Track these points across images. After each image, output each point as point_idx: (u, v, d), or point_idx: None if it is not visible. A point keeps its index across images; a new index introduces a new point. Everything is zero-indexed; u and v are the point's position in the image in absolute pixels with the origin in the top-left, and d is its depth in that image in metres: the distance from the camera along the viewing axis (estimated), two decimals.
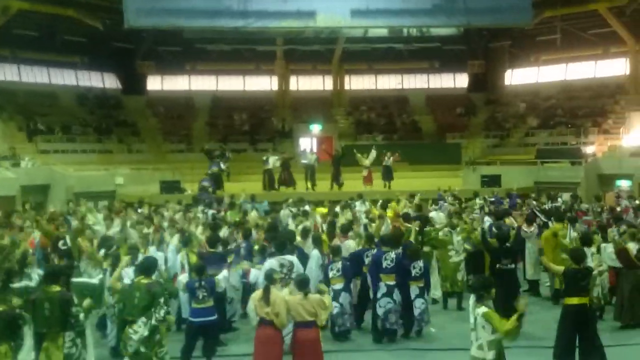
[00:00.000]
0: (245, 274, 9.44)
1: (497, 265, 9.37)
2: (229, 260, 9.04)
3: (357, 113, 34.51)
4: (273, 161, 21.19)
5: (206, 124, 33.09)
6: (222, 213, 14.54)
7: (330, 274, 8.88)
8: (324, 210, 14.02)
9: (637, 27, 29.28)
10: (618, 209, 14.49)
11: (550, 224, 11.74)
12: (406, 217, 12.29)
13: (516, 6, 26.44)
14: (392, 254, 8.94)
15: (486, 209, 14.15)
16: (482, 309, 5.86)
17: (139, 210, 14.80)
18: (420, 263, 9.15)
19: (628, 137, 25.62)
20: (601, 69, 31.99)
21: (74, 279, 7.45)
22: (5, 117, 26.46)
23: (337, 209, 14.13)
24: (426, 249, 10.98)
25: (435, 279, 10.78)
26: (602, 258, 9.84)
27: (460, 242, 10.92)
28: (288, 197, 16.75)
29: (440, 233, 11.11)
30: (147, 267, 7.12)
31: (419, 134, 32.66)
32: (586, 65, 32.51)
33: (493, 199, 16.67)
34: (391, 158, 21.56)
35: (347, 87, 36.09)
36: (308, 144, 30.69)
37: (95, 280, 7.52)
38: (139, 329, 6.60)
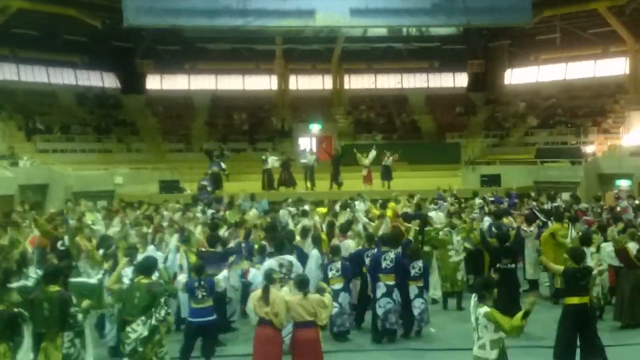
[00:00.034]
0: (244, 274, 9.43)
1: (498, 265, 9.35)
2: (230, 259, 9.02)
3: (357, 112, 34.49)
4: (272, 161, 21.16)
5: (205, 123, 33.06)
6: (222, 213, 14.52)
7: (330, 274, 8.87)
8: (323, 210, 14.00)
9: (636, 26, 29.28)
10: (618, 209, 14.48)
11: (549, 223, 11.72)
12: (406, 217, 12.28)
13: (516, 5, 26.44)
14: (392, 254, 8.92)
15: (486, 209, 14.11)
16: (484, 309, 5.87)
17: (138, 213, 14.76)
18: (420, 263, 9.14)
19: (628, 137, 25.60)
20: (601, 68, 31.98)
21: (73, 279, 7.43)
22: (4, 117, 26.41)
23: (337, 207, 14.16)
24: (426, 248, 10.97)
25: (435, 279, 10.77)
26: (601, 257, 9.83)
27: (460, 242, 10.91)
28: (287, 196, 16.74)
29: (441, 233, 11.09)
30: (147, 267, 7.11)
31: (418, 134, 32.65)
32: (586, 65, 32.50)
33: (492, 199, 16.65)
34: (390, 158, 21.53)
35: (346, 86, 36.07)
36: (307, 143, 30.69)
37: (94, 280, 7.49)
38: (138, 328, 6.59)
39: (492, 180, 22.04)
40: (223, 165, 21.14)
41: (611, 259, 9.84)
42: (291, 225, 12.08)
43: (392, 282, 8.83)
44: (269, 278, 7.02)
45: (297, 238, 10.24)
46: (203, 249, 9.60)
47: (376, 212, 13.27)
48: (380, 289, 8.81)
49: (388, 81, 36.61)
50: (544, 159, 24.74)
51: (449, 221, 11.49)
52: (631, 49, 29.74)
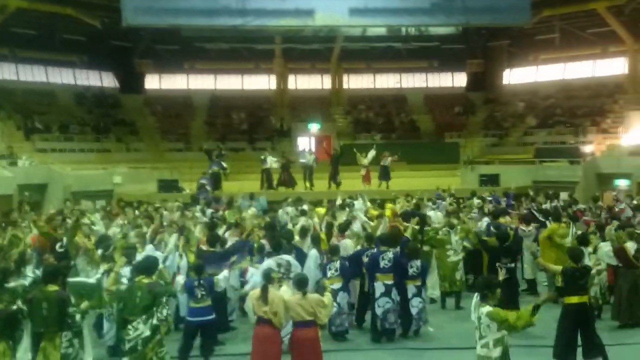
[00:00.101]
0: (242, 273, 9.42)
1: (497, 264, 9.35)
2: (232, 259, 9.01)
3: (356, 112, 34.50)
4: (271, 161, 21.16)
5: (204, 123, 33.05)
6: (221, 212, 14.51)
7: (329, 274, 8.87)
8: (322, 210, 13.99)
9: (635, 26, 29.29)
10: (616, 209, 14.48)
11: (547, 223, 11.73)
12: (405, 216, 12.28)
13: (515, 5, 26.44)
14: (390, 254, 8.93)
15: (486, 209, 14.10)
16: (487, 309, 5.89)
17: (137, 213, 14.76)
18: (418, 262, 9.13)
19: (627, 136, 25.62)
20: (600, 68, 32.00)
21: (71, 279, 7.43)
22: (3, 116, 26.39)
23: (338, 202, 14.16)
24: (426, 248, 10.96)
25: (434, 278, 10.77)
26: (599, 257, 9.84)
27: (459, 241, 10.91)
28: (287, 196, 16.74)
29: (440, 232, 11.09)
30: (148, 267, 7.10)
31: (417, 133, 32.65)
32: (585, 65, 32.51)
33: (490, 198, 16.66)
34: (389, 159, 21.53)
35: (345, 86, 36.08)
36: (306, 143, 30.68)
37: (92, 280, 7.49)
38: (139, 327, 6.58)
39: (491, 180, 22.07)
40: (224, 164, 21.17)
41: (609, 258, 9.85)
42: (290, 225, 12.08)
43: (390, 282, 8.83)
44: (268, 277, 7.03)
45: (296, 238, 10.25)
46: (204, 248, 9.60)
47: (374, 212, 13.27)
48: (379, 289, 8.81)
49: (387, 81, 36.63)
50: (542, 159, 24.76)
51: (447, 220, 11.49)
52: (630, 49, 29.76)
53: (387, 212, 13.06)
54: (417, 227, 11.30)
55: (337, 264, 8.93)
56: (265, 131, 32.20)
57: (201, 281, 7.78)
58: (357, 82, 36.57)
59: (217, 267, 8.47)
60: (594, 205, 15.30)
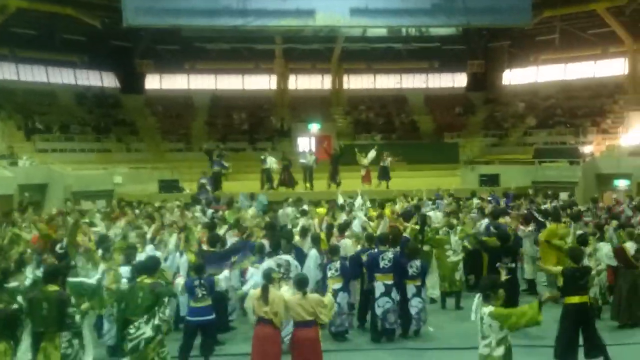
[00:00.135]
0: (242, 273, 9.43)
1: (498, 264, 9.35)
2: (233, 259, 9.02)
3: (356, 112, 34.51)
4: (271, 162, 21.17)
5: (205, 123, 33.06)
6: (221, 212, 14.52)
7: (329, 274, 8.88)
8: (321, 210, 14.00)
9: (635, 27, 29.31)
10: (616, 209, 14.48)
11: (547, 223, 11.73)
12: (406, 216, 12.29)
13: (515, 6, 26.42)
14: (390, 254, 8.93)
15: (486, 211, 14.08)
16: (489, 309, 5.92)
17: (137, 212, 14.77)
18: (417, 262, 9.14)
19: (627, 137, 25.64)
20: (600, 68, 32.02)
21: (71, 279, 7.44)
22: (4, 116, 26.41)
23: (339, 200, 14.23)
24: (426, 248, 10.96)
25: (434, 278, 10.78)
26: (599, 258, 9.84)
27: (458, 242, 10.91)
28: (287, 196, 16.75)
29: (440, 232, 11.10)
30: (150, 267, 7.11)
31: (417, 134, 32.66)
32: (585, 65, 32.53)
33: (490, 198, 16.67)
34: (389, 159, 21.54)
35: (345, 86, 36.11)
36: (306, 143, 30.69)
37: (92, 281, 7.49)
38: (142, 327, 6.59)
39: (490, 180, 22.08)
40: (225, 164, 21.20)
41: (609, 259, 9.85)
42: (290, 225, 12.09)
43: (390, 282, 8.84)
44: (268, 277, 7.04)
45: (297, 238, 10.25)
46: (204, 247, 9.61)
47: (374, 213, 13.28)
48: (379, 289, 8.82)
49: (387, 81, 36.64)
50: (542, 159, 24.77)
51: (446, 220, 11.50)
52: (630, 50, 29.78)
53: (387, 212, 13.07)
54: (417, 227, 11.31)
55: (338, 264, 8.93)
56: (265, 131, 32.22)
57: (202, 281, 7.79)
58: (357, 82, 36.58)
59: (217, 267, 8.48)
60: (592, 206, 15.31)
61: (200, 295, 7.74)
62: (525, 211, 13.41)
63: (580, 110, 29.67)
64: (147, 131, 31.49)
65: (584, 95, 30.98)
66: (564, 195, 18.05)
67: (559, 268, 8.04)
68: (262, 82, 35.93)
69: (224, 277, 8.22)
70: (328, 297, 7.08)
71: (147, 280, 6.87)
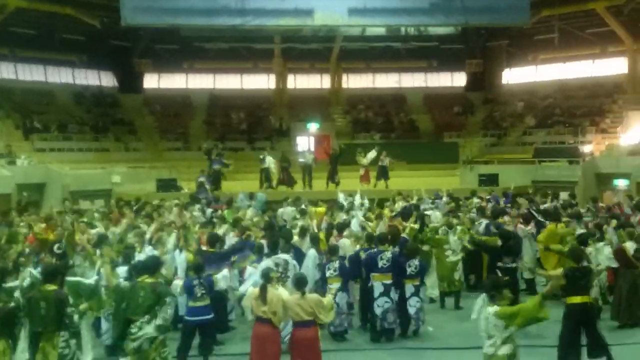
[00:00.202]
0: (241, 272, 9.41)
1: (499, 264, 9.34)
2: (232, 259, 8.98)
3: (355, 112, 34.48)
4: (269, 162, 21.16)
5: (203, 122, 33.02)
6: (220, 212, 14.49)
7: (328, 273, 8.86)
8: (319, 210, 13.98)
9: (634, 26, 29.30)
10: (616, 209, 14.46)
11: (546, 223, 11.72)
12: (405, 214, 12.27)
13: (514, 5, 26.42)
14: (389, 253, 8.91)
15: (487, 211, 14.06)
16: (494, 309, 5.94)
17: (135, 208, 14.74)
18: (416, 261, 9.12)
19: (626, 136, 25.62)
20: (599, 68, 32.00)
21: (69, 278, 7.40)
22: (2, 115, 26.37)
23: (340, 198, 14.12)
24: (425, 248, 10.94)
25: (433, 278, 10.76)
26: (598, 258, 9.82)
27: (457, 241, 10.89)
28: (287, 196, 16.73)
29: (440, 231, 11.08)
30: (151, 266, 7.08)
31: (416, 133, 32.63)
32: (584, 65, 32.51)
33: (489, 198, 16.65)
34: (387, 159, 21.54)
35: (344, 85, 36.07)
36: (305, 142, 30.67)
37: (90, 281, 7.46)
38: (143, 327, 6.56)
39: (490, 180, 22.07)
40: (225, 161, 21.19)
41: (609, 260, 9.83)
42: (288, 226, 12.06)
43: (389, 282, 8.82)
44: (267, 277, 7.01)
45: (295, 238, 10.23)
46: (204, 247, 9.58)
47: (372, 215, 13.27)
48: (378, 289, 8.80)
49: (386, 80, 36.59)
50: (541, 159, 24.76)
51: (446, 220, 11.48)
52: (629, 49, 29.76)
53: (386, 212, 13.05)
54: (416, 226, 11.29)
55: (336, 264, 8.92)
56: (264, 131, 32.16)
57: (201, 280, 7.76)
58: (356, 81, 36.53)
59: (216, 267, 8.45)
60: (592, 206, 15.30)
61: (199, 294, 7.71)
62: (525, 210, 13.40)
63: (579, 109, 29.66)
64: (145, 130, 31.44)
65: (582, 95, 30.96)
66: (564, 195, 18.01)
67: (559, 271, 7.99)
68: (260, 82, 35.88)
69: (222, 277, 8.19)
70: (328, 298, 7.06)
71: (148, 280, 6.84)
